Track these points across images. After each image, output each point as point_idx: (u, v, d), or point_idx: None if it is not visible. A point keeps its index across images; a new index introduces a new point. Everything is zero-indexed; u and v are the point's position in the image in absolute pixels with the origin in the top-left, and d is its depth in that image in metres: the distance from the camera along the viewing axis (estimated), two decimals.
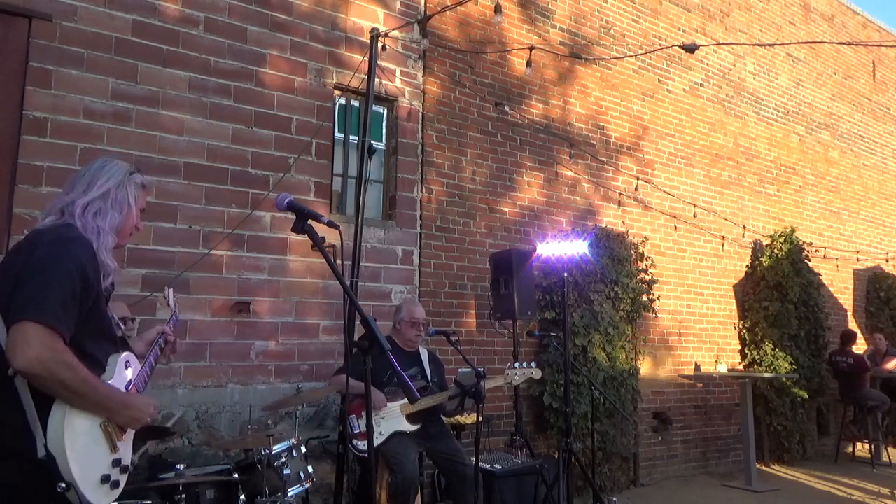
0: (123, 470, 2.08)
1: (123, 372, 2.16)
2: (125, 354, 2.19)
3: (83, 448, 1.93)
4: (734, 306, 8.58)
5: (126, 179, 2.20)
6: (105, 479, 1.98)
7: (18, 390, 1.87)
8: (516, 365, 4.81)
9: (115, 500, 2.16)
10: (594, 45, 7.52)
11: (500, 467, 4.87)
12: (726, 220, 8.53)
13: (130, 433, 2.17)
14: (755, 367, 8.25)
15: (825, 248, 9.71)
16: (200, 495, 3.43)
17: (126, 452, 2.12)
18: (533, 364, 4.87)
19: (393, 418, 4.46)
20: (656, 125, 8.00)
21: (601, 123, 7.47)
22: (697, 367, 7.91)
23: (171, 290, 2.79)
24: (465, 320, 6.14)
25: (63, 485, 1.84)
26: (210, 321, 4.81)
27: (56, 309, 1.87)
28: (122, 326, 2.37)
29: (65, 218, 2.06)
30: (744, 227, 8.64)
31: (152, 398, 2.36)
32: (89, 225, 2.06)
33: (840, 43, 10.59)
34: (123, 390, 2.13)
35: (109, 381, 2.08)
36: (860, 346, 9.66)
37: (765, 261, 8.50)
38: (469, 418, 5.18)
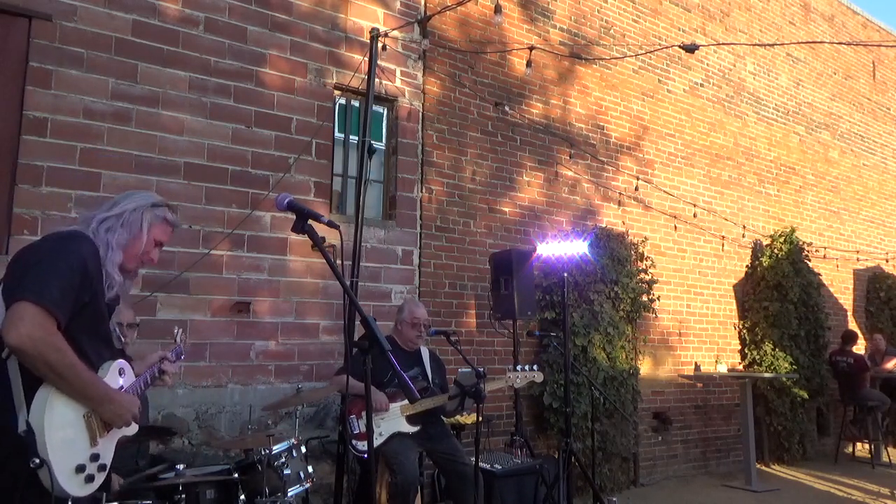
0: (101, 468, 2.14)
1: (116, 377, 2.26)
2: (120, 362, 2.29)
3: (62, 432, 2.02)
4: (734, 306, 8.58)
5: (145, 207, 2.36)
6: (80, 468, 2.05)
7: (10, 372, 1.99)
8: (518, 368, 4.80)
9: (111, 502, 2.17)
10: (594, 45, 7.52)
11: (500, 467, 4.87)
12: (726, 220, 8.53)
13: (114, 433, 2.23)
14: (755, 367, 8.25)
15: (825, 248, 9.71)
16: (200, 495, 3.42)
17: (106, 451, 2.18)
18: (535, 367, 4.87)
19: (393, 419, 4.46)
20: (656, 125, 8.00)
21: (601, 123, 7.47)
22: (697, 367, 7.91)
23: (180, 329, 2.90)
24: (465, 320, 6.14)
25: (37, 460, 1.91)
26: (210, 321, 4.81)
27: (53, 293, 2.00)
28: (123, 339, 2.46)
29: (81, 227, 2.26)
30: (744, 227, 8.64)
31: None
32: (101, 237, 2.24)
33: (840, 43, 10.59)
34: (108, 385, 2.20)
35: None
36: (861, 347, 9.66)
37: (765, 261, 8.50)
38: (469, 418, 5.18)
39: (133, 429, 2.31)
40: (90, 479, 2.09)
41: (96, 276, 2.15)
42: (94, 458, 2.11)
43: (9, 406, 1.97)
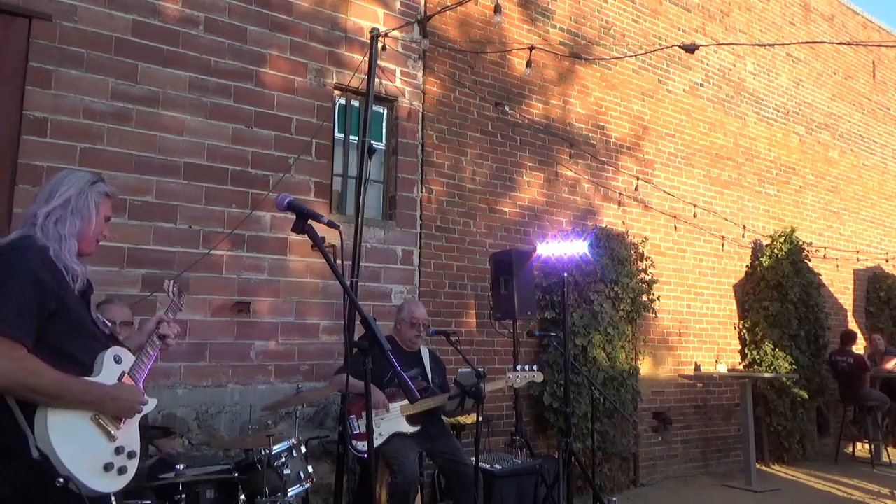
0: (130, 455, 2.16)
1: (113, 367, 2.22)
2: (112, 349, 2.24)
3: (76, 443, 2.01)
4: (734, 306, 8.58)
5: (87, 188, 2.25)
6: (108, 466, 2.07)
7: (8, 401, 1.97)
8: (518, 368, 4.80)
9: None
10: (594, 45, 7.52)
11: (500, 467, 4.87)
12: (726, 220, 8.53)
13: (131, 420, 2.23)
14: (755, 367, 8.25)
15: (825, 248, 9.71)
16: (200, 495, 3.42)
17: (129, 438, 2.19)
18: (535, 367, 4.87)
19: (393, 419, 4.46)
20: (656, 125, 8.00)
21: (601, 123, 7.47)
22: (697, 367, 7.91)
23: (172, 282, 2.75)
24: (465, 320, 6.14)
25: (61, 480, 1.93)
26: (210, 321, 4.81)
27: (11, 318, 1.94)
28: (109, 325, 2.40)
29: (25, 229, 2.13)
30: (744, 227, 8.64)
31: (153, 398, 2.37)
32: (50, 232, 2.12)
33: (840, 43, 10.59)
34: (111, 383, 2.18)
35: (98, 378, 2.14)
36: (860, 347, 9.66)
37: (765, 261, 8.50)
38: (469, 418, 5.18)
39: (151, 405, 2.32)
40: (122, 470, 2.12)
41: (53, 279, 2.07)
42: (119, 451, 2.13)
43: (18, 434, 1.96)
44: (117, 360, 2.24)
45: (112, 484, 2.08)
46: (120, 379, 2.22)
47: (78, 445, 2.01)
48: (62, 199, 2.18)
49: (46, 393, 1.97)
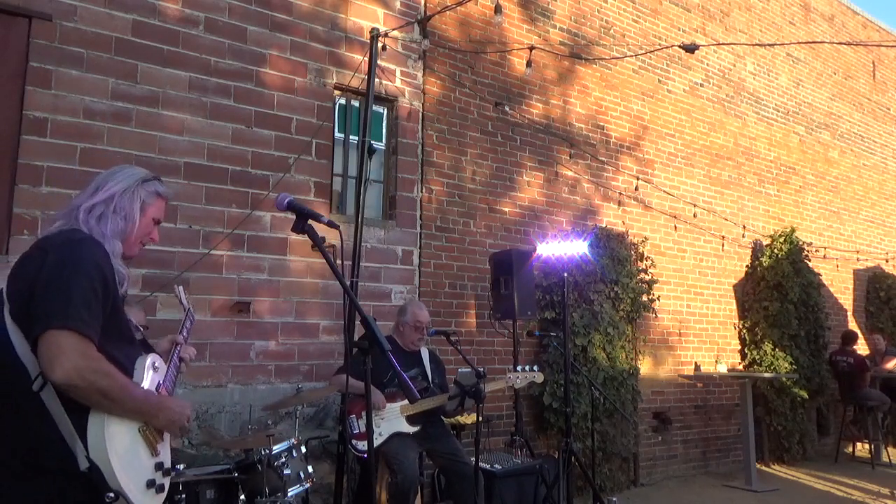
0: (166, 473, 2.02)
1: (152, 374, 2.07)
2: (152, 356, 2.11)
3: (126, 455, 1.87)
4: (734, 306, 8.58)
5: (136, 186, 2.10)
6: (150, 483, 1.93)
7: (46, 404, 1.79)
8: (518, 368, 4.80)
9: None
10: (594, 45, 7.52)
11: (500, 467, 4.87)
12: (726, 220, 8.53)
13: (168, 435, 2.11)
14: (755, 367, 8.25)
15: (825, 248, 9.71)
16: (200, 495, 3.43)
17: (166, 454, 2.07)
18: (535, 367, 4.87)
19: (393, 419, 4.46)
20: (656, 125, 8.00)
21: (601, 123, 7.47)
22: (697, 367, 7.91)
23: (181, 288, 2.64)
24: (465, 320, 6.14)
25: (111, 494, 1.78)
26: (210, 321, 4.81)
27: (82, 313, 1.79)
28: (141, 329, 2.31)
29: (70, 223, 1.98)
30: (744, 227, 8.64)
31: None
32: (94, 230, 1.97)
33: (840, 43, 10.59)
34: (156, 393, 2.06)
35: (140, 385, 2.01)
36: (861, 347, 9.65)
37: (765, 261, 8.51)
38: (469, 418, 5.18)
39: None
40: (161, 488, 1.98)
41: (111, 278, 1.92)
42: (159, 466, 1.99)
43: (59, 444, 1.78)
44: (155, 368, 2.09)
45: (152, 502, 1.93)
46: (157, 389, 2.08)
47: (128, 458, 1.86)
48: (106, 194, 2.03)
49: (113, 397, 1.82)
